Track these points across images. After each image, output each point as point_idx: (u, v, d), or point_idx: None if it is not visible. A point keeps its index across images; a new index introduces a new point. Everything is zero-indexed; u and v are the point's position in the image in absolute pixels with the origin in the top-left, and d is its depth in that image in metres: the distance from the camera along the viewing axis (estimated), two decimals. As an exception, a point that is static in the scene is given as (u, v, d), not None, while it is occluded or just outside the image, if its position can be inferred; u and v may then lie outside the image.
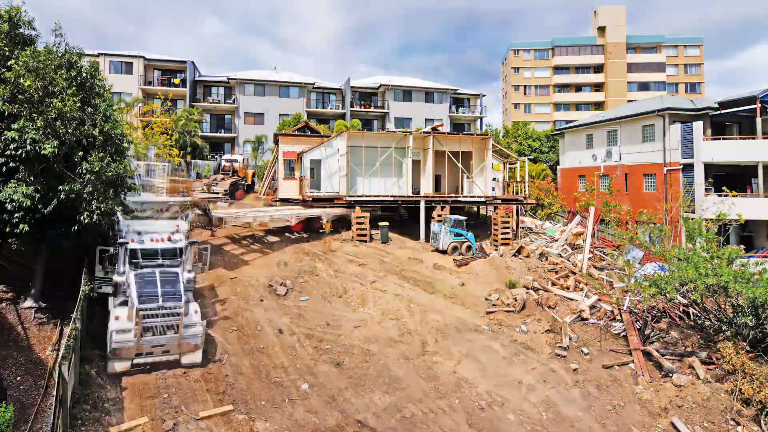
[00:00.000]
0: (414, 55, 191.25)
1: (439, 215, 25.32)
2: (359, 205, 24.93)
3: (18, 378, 12.20)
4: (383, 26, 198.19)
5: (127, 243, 14.43)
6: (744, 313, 15.95)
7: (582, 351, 17.00)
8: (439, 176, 30.25)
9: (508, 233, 26.29)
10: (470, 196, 27.87)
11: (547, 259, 23.90)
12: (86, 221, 13.25)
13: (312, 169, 29.51)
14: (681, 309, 18.68)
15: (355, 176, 27.24)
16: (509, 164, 33.01)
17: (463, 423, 12.58)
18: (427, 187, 27.48)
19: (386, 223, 25.00)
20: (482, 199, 27.63)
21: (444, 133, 29.16)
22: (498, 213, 26.73)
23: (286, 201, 28.85)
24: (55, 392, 9.42)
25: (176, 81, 44.96)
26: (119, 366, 12.69)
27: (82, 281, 14.63)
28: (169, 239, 15.20)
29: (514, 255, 23.75)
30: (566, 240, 26.68)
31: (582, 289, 21.57)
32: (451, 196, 27.14)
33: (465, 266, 22.39)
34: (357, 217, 24.30)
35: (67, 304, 15.25)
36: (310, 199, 26.09)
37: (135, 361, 12.87)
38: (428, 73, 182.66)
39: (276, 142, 32.26)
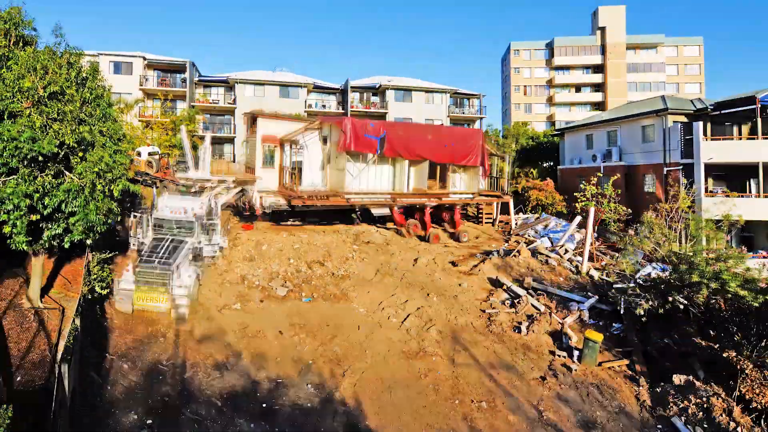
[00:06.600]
0: (415, 57, 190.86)
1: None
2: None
3: (18, 379, 12.20)
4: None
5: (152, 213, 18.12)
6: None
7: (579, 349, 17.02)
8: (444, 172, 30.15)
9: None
10: (460, 192, 29.52)
11: (547, 262, 23.87)
12: (79, 226, 12.84)
13: (294, 159, 25.95)
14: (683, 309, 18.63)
15: (347, 169, 25.51)
16: (499, 160, 34.18)
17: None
18: (420, 182, 28.42)
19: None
20: (470, 196, 29.60)
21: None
22: (484, 210, 30.73)
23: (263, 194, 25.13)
24: (54, 394, 9.40)
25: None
26: (123, 306, 16.10)
27: (82, 281, 15.24)
28: (185, 212, 18.05)
29: (513, 255, 23.77)
30: (567, 241, 26.62)
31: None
32: (442, 192, 28.58)
33: (466, 267, 22.43)
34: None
35: (68, 305, 15.28)
36: (294, 195, 23.82)
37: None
38: (430, 73, 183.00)
39: (253, 123, 27.05)
